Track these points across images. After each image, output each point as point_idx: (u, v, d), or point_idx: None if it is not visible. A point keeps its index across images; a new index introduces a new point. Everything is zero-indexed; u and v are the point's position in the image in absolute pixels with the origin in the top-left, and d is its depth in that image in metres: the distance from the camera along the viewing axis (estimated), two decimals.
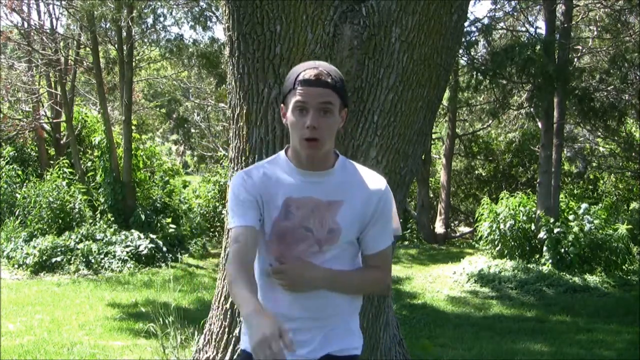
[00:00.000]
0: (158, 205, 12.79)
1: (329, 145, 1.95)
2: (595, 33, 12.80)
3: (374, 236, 2.03)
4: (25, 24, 14.27)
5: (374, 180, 2.02)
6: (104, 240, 11.11)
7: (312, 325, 2.01)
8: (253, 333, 1.60)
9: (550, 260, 9.95)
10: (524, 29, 13.97)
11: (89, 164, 14.69)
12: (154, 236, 11.53)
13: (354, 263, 2.07)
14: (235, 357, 3.20)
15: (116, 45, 12.66)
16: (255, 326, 1.62)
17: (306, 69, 1.91)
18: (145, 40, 14.11)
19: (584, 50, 12.73)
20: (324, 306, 2.01)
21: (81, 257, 10.58)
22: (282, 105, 2.00)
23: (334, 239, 1.98)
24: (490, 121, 16.04)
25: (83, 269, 10.43)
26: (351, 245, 2.04)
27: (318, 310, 2.01)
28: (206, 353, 3.38)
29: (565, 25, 10.78)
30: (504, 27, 14.11)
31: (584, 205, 10.26)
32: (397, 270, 10.80)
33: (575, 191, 13.53)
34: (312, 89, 1.88)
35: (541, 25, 14.07)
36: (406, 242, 14.68)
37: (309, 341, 2.01)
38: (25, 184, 13.14)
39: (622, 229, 10.02)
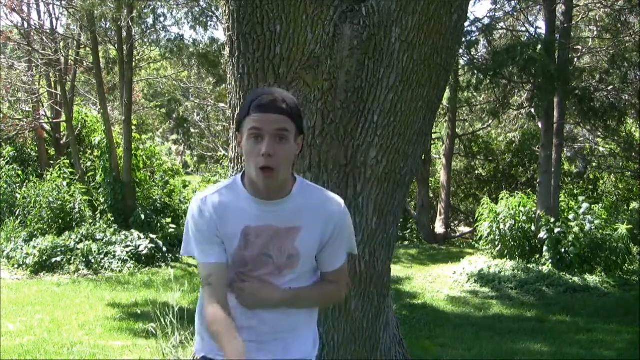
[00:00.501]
0: (158, 205, 12.79)
1: (285, 173, 1.92)
2: (595, 33, 12.80)
3: (330, 256, 2.05)
4: (25, 24, 14.27)
5: (331, 203, 2.02)
6: (104, 240, 11.11)
7: (272, 337, 2.05)
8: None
9: (550, 260, 9.95)
10: (524, 29, 13.98)
11: (89, 164, 14.69)
12: (154, 236, 11.53)
13: (312, 279, 2.10)
14: None
15: (116, 45, 12.66)
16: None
17: (261, 95, 1.89)
18: (145, 40, 14.12)
19: (584, 50, 12.73)
20: (282, 321, 2.04)
21: (81, 257, 10.58)
22: (237, 133, 1.97)
23: (293, 264, 2.00)
24: (490, 121, 16.04)
25: (83, 269, 10.43)
26: (311, 266, 2.07)
27: (277, 324, 2.04)
28: None
29: (565, 25, 10.77)
30: (504, 27, 14.11)
31: (584, 205, 10.26)
32: (397, 270, 10.79)
33: (575, 191, 13.53)
34: (267, 115, 1.86)
35: (541, 25, 14.07)
36: (406, 242, 14.69)
37: (271, 351, 2.05)
38: (25, 184, 13.14)
39: (622, 229, 10.02)
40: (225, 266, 1.98)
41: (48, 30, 14.02)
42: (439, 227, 15.40)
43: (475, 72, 11.41)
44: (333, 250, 2.04)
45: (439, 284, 10.17)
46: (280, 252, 1.98)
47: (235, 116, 2.04)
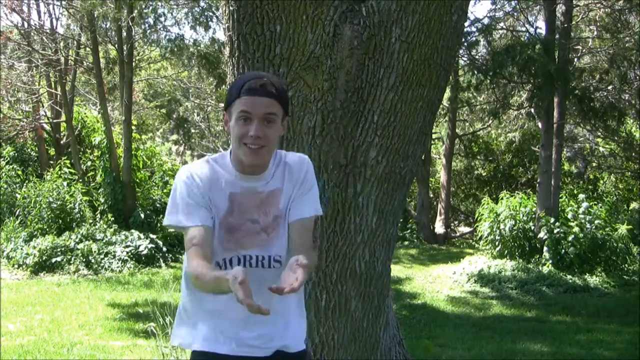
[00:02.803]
0: (158, 205, 12.79)
1: (270, 153, 2.03)
2: (595, 33, 12.80)
3: (298, 204, 2.08)
4: (25, 24, 14.27)
5: (298, 159, 2.13)
6: (104, 241, 11.11)
7: (260, 324, 2.02)
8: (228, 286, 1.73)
9: (550, 261, 9.95)
10: (524, 29, 13.98)
11: (89, 164, 14.69)
12: (153, 236, 11.53)
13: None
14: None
15: (116, 45, 12.66)
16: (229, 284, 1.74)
17: (252, 79, 1.97)
18: (146, 40, 14.11)
19: (584, 50, 12.73)
20: (272, 306, 1.99)
21: (81, 257, 10.58)
22: (224, 113, 2.04)
23: (278, 224, 2.07)
24: (490, 121, 16.03)
25: (83, 269, 10.43)
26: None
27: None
28: None
29: (565, 25, 10.78)
30: (504, 27, 14.11)
31: (584, 204, 10.25)
32: (397, 270, 10.79)
33: (575, 191, 13.55)
34: (257, 98, 1.93)
35: (541, 25, 14.07)
36: (406, 242, 14.69)
37: (264, 335, 2.05)
38: (25, 184, 13.14)
39: (622, 229, 10.03)
40: (211, 230, 2.01)
41: (48, 30, 14.03)
42: (439, 227, 15.40)
43: (475, 72, 11.41)
44: (300, 199, 2.08)
45: (439, 284, 10.17)
46: (266, 215, 2.05)
47: (226, 97, 2.09)
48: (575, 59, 12.22)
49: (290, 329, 2.10)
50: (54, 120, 15.07)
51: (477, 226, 11.52)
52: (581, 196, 10.60)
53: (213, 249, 2.01)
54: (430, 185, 16.31)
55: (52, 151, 15.74)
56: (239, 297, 1.63)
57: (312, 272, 2.31)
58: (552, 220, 10.10)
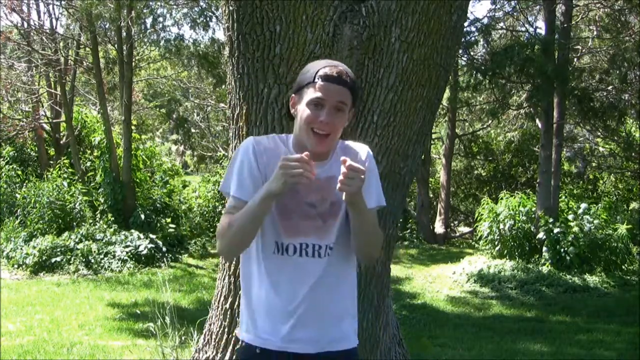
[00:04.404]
0: (158, 205, 12.79)
1: (335, 141, 2.04)
2: (595, 33, 12.80)
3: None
4: (25, 24, 14.26)
5: (356, 148, 2.13)
6: (104, 240, 11.11)
7: (313, 318, 2.02)
8: (273, 180, 1.88)
9: (549, 260, 9.95)
10: (523, 29, 13.99)
11: (89, 164, 14.69)
12: (153, 236, 11.53)
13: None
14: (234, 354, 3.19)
15: (116, 45, 12.66)
16: (272, 179, 1.88)
17: (327, 66, 1.99)
18: (145, 40, 14.11)
19: (583, 50, 12.73)
20: (325, 298, 2.02)
21: (81, 257, 10.58)
22: (293, 95, 2.05)
23: (336, 212, 2.04)
24: (490, 121, 16.04)
25: (83, 269, 10.43)
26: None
27: (320, 302, 2.02)
28: (206, 353, 3.38)
29: (565, 25, 10.78)
30: (504, 27, 14.12)
31: (583, 205, 10.26)
32: (397, 270, 10.80)
33: (575, 191, 13.53)
34: (332, 85, 1.95)
35: (541, 25, 14.09)
36: (406, 242, 14.70)
37: (310, 334, 2.02)
38: (25, 184, 13.14)
39: (622, 229, 10.03)
40: None
41: (48, 30, 14.02)
42: (439, 227, 15.40)
43: (475, 72, 11.41)
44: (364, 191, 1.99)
45: (439, 284, 10.18)
46: (323, 199, 2.03)
47: (297, 81, 2.07)
48: (575, 59, 12.23)
49: (340, 327, 2.08)
50: (54, 120, 15.07)
51: (477, 226, 11.52)
52: (583, 206, 10.49)
53: (260, 231, 2.01)
54: (430, 185, 16.31)
55: (52, 151, 15.74)
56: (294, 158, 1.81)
57: (376, 257, 2.31)
58: (552, 220, 10.10)
